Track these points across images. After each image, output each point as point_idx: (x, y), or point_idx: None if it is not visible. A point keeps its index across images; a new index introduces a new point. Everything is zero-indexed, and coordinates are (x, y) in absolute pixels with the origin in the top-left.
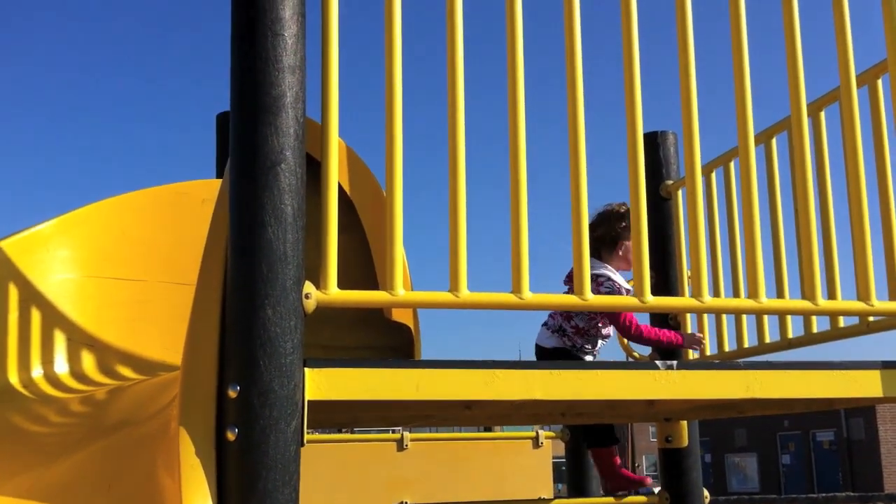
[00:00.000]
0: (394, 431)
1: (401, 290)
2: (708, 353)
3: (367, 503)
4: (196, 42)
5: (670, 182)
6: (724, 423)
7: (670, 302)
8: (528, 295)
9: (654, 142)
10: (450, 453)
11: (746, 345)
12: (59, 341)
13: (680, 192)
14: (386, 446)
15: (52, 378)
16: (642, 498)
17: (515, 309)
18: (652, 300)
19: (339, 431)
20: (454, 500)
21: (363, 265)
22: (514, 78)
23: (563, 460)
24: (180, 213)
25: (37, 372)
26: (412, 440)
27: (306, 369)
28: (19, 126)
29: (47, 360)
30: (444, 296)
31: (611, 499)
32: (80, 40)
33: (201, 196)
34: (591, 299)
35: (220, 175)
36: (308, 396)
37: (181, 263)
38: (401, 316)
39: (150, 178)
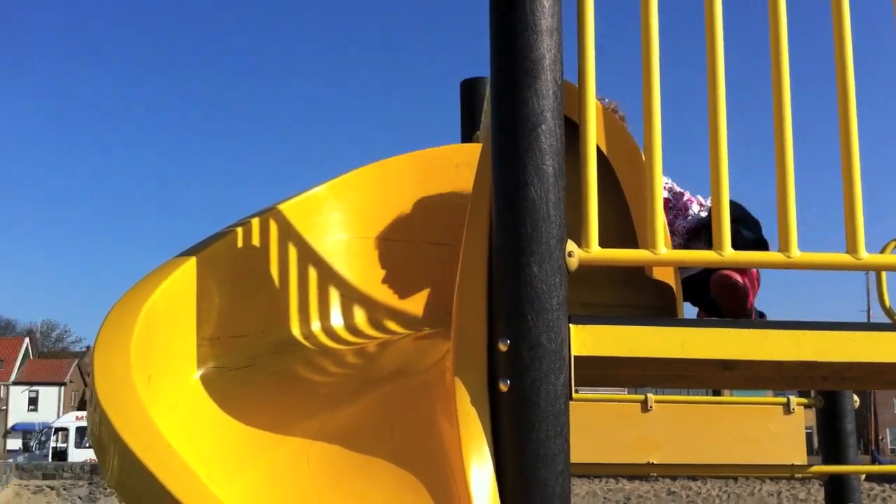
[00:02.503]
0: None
1: (662, 248)
2: None
3: (615, 461)
4: (437, 10)
5: None
6: None
7: None
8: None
9: None
10: (695, 416)
11: None
12: (334, 297)
13: None
14: (630, 407)
15: (328, 331)
16: None
17: (782, 268)
18: None
19: None
20: (702, 462)
21: (620, 225)
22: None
23: (810, 431)
24: (435, 176)
25: (315, 326)
26: (656, 402)
27: (571, 325)
28: (291, 95)
29: (324, 314)
30: (708, 254)
31: (870, 466)
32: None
33: (455, 160)
34: None
35: (464, 140)
36: (574, 352)
37: (438, 224)
38: (661, 275)
39: (401, 145)
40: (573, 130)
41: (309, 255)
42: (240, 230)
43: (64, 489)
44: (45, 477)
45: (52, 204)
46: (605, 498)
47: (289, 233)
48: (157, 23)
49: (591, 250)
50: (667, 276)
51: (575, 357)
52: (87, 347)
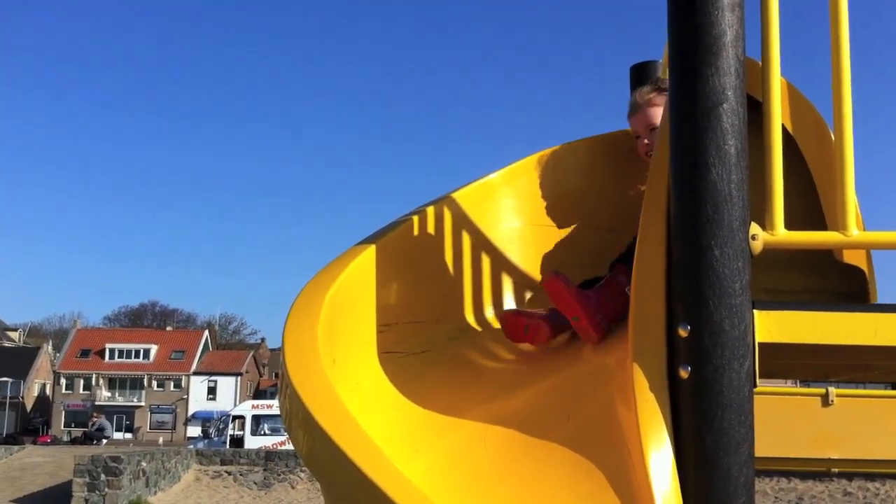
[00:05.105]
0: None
1: (854, 229)
2: None
3: (792, 456)
4: None
5: None
6: None
7: None
8: None
9: None
10: (881, 412)
11: None
12: (507, 285)
13: None
14: (809, 401)
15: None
16: None
17: None
18: None
19: None
20: (889, 458)
21: (807, 206)
22: None
23: None
24: (607, 161)
25: (489, 313)
26: (838, 396)
27: (755, 311)
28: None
29: (497, 302)
30: None
31: None
32: None
33: (626, 145)
34: None
35: None
36: (758, 339)
37: (611, 210)
38: (852, 258)
39: (567, 131)
40: (756, 109)
41: (482, 243)
42: (415, 219)
43: (240, 474)
44: (222, 462)
45: (230, 211)
46: (776, 497)
47: (463, 221)
48: None
49: (776, 233)
50: (858, 260)
51: (759, 344)
52: (262, 339)
